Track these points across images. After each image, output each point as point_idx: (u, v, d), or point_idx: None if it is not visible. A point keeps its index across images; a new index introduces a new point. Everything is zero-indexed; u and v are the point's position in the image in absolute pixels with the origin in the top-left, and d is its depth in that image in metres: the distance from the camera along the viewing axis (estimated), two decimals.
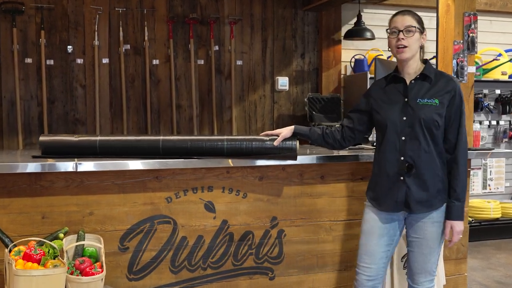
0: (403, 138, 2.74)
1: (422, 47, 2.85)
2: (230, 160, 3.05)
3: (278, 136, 3.04)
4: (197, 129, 5.62)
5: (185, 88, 5.62)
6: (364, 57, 5.90)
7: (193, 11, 5.60)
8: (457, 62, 3.60)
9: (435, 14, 6.51)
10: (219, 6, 5.69)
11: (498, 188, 6.58)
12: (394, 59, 5.63)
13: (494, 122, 6.52)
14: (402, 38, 2.73)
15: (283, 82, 5.90)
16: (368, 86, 5.56)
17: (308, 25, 5.99)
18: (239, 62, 5.76)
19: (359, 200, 3.44)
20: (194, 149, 3.05)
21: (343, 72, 6.07)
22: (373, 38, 5.69)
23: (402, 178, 2.75)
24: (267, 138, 3.07)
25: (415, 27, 2.75)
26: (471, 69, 3.63)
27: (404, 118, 2.75)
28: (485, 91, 6.40)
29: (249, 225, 3.26)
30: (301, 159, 3.17)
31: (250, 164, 3.11)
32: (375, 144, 3.73)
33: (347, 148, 3.22)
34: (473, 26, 3.63)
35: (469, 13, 3.63)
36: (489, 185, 6.52)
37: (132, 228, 3.06)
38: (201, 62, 5.65)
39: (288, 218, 3.33)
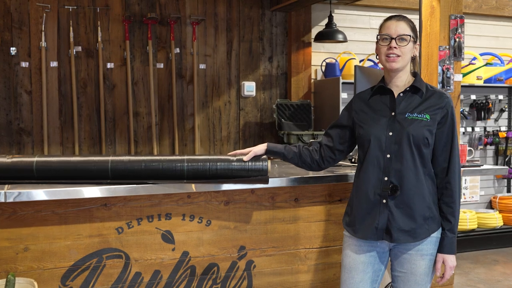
0: (388, 156, 2.40)
1: (413, 58, 2.51)
2: (191, 185, 2.63)
3: (246, 154, 2.68)
4: (156, 139, 5.17)
5: (143, 94, 5.17)
6: (336, 60, 5.55)
7: (152, 10, 5.15)
8: (442, 70, 3.26)
9: (408, 16, 6.27)
10: (180, 5, 5.26)
11: (473, 197, 6.33)
12: (375, 64, 5.36)
13: (469, 129, 6.27)
14: (395, 47, 2.40)
15: (249, 87, 5.50)
16: (341, 92, 5.27)
17: (277, 26, 5.61)
18: (202, 66, 5.34)
19: (337, 224, 3.09)
20: (149, 171, 2.63)
21: (313, 76, 5.71)
22: (345, 40, 5.34)
23: (384, 201, 2.40)
24: (234, 159, 2.67)
25: (409, 35, 2.42)
26: (458, 77, 3.30)
27: (390, 134, 2.41)
28: (460, 96, 6.13)
29: (213, 256, 2.85)
30: (274, 182, 2.78)
31: (214, 188, 2.70)
32: (354, 160, 3.38)
33: None
34: (459, 30, 3.30)
35: (455, 15, 3.30)
36: (464, 194, 6.27)
37: (76, 265, 2.61)
38: (161, 65, 5.20)
39: (258, 247, 2.94)
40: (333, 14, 5.42)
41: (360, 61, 5.59)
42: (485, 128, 6.35)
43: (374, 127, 2.45)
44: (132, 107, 5.11)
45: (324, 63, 5.60)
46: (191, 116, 5.32)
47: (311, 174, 2.95)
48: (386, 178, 2.40)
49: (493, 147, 6.39)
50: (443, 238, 2.44)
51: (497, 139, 6.28)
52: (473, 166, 3.19)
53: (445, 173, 2.43)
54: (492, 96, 6.27)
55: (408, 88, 2.46)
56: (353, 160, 3.36)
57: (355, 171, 3.15)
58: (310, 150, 2.67)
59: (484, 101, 6.20)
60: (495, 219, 5.99)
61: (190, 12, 5.29)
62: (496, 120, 6.39)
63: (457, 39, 3.30)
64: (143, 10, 5.14)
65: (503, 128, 6.39)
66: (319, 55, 5.71)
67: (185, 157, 2.68)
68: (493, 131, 6.31)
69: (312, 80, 5.69)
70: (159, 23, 5.19)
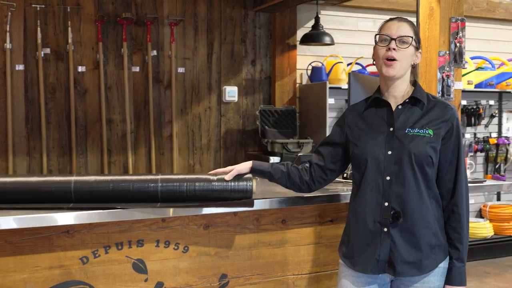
0: (388, 178, 2.12)
1: (414, 67, 2.23)
2: (166, 210, 2.32)
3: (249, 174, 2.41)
4: (131, 148, 4.84)
5: (117, 100, 4.83)
6: (322, 64, 5.27)
7: (127, 9, 4.82)
8: (442, 77, 2.99)
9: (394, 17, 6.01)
10: (158, 4, 4.93)
11: None
12: (363, 68, 5.09)
13: None
14: (394, 49, 2.12)
15: (231, 92, 5.20)
16: (328, 97, 4.99)
17: (260, 27, 5.31)
18: (180, 70, 5.01)
19: (329, 248, 2.82)
20: (118, 193, 2.31)
21: (298, 81, 5.43)
22: (332, 43, 5.07)
23: (386, 229, 2.13)
24: (215, 178, 2.36)
25: (412, 37, 2.14)
26: (459, 85, 3.04)
27: (389, 153, 2.13)
28: None
29: (191, 286, 2.56)
30: (259, 203, 2.48)
31: (192, 212, 2.40)
32: (346, 175, 3.09)
33: None
34: (460, 34, 3.04)
35: (456, 18, 3.04)
36: None
37: None
38: (136, 69, 4.87)
39: (241, 274, 2.64)
40: (319, 15, 5.14)
41: (348, 64, 5.32)
42: (475, 134, 6.13)
43: (371, 145, 2.17)
44: (105, 113, 4.77)
45: (310, 67, 5.31)
46: (168, 123, 5.00)
47: (300, 193, 2.65)
48: (386, 204, 2.13)
49: (483, 154, 6.18)
50: (451, 268, 2.17)
51: (487, 145, 6.06)
52: (476, 182, 2.93)
53: (451, 195, 2.16)
54: (483, 101, 6.05)
55: (407, 100, 2.19)
56: (345, 175, 3.07)
57: (347, 187, 2.89)
58: (299, 169, 2.39)
59: (474, 107, 5.98)
60: (485, 229, 5.78)
61: (168, 12, 4.97)
62: (486, 126, 6.18)
63: (458, 44, 3.04)
64: (117, 10, 4.80)
65: (494, 135, 6.18)
66: (305, 58, 5.43)
67: (159, 176, 2.37)
68: (483, 137, 6.09)
69: (297, 85, 5.41)
70: (134, 24, 4.86)
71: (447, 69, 3.02)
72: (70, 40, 4.63)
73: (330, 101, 5.00)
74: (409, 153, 2.09)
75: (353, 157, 2.24)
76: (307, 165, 2.40)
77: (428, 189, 2.13)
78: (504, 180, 6.03)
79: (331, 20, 5.49)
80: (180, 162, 5.04)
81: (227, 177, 2.34)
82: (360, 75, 2.76)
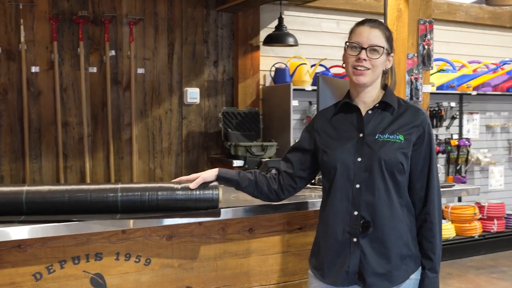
0: (358, 186, 2.04)
1: (386, 72, 2.16)
2: (126, 221, 2.17)
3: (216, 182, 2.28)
4: (88, 152, 4.64)
5: (73, 102, 4.63)
6: (286, 65, 5.18)
7: (83, 7, 4.62)
8: (411, 80, 2.94)
9: (357, 18, 5.98)
10: (116, 2, 4.75)
11: None
12: (327, 70, 5.02)
13: None
14: (364, 59, 2.05)
15: (193, 94, 5.05)
16: (292, 99, 4.91)
17: (222, 28, 5.18)
18: (140, 70, 4.84)
19: (297, 256, 2.72)
20: (74, 204, 2.16)
21: (262, 82, 5.32)
22: (296, 44, 4.98)
23: (355, 239, 2.04)
24: (179, 187, 2.23)
25: (383, 47, 2.06)
26: (427, 88, 2.99)
27: (359, 160, 2.05)
28: None
29: None
30: (226, 213, 2.35)
31: (154, 224, 2.26)
32: (315, 181, 3.00)
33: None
34: (429, 36, 2.99)
35: (424, 20, 2.99)
36: None
37: None
38: (94, 69, 4.68)
39: (206, 287, 2.52)
40: (283, 16, 5.05)
41: (312, 66, 5.25)
42: (437, 136, 6.15)
43: (340, 152, 2.08)
44: (61, 116, 4.56)
45: (273, 68, 5.22)
46: (128, 126, 4.82)
47: (267, 203, 2.54)
48: (356, 213, 2.04)
49: (445, 155, 6.21)
50: (424, 279, 2.10)
51: (449, 147, 6.10)
52: (445, 187, 2.88)
53: (423, 203, 2.09)
54: (445, 103, 6.09)
55: (377, 104, 2.11)
56: (313, 181, 2.98)
57: (315, 193, 2.81)
58: (267, 177, 2.28)
59: (436, 109, 6.01)
60: (447, 230, 5.82)
61: (127, 11, 4.79)
62: (447, 127, 6.22)
63: (426, 46, 2.99)
64: (73, 7, 4.60)
65: (455, 136, 6.22)
66: (268, 59, 5.33)
67: (119, 185, 2.22)
68: (445, 139, 6.12)
69: (261, 87, 5.31)
70: (91, 22, 4.66)
71: (416, 71, 2.97)
72: (22, 39, 4.41)
73: (294, 103, 4.92)
74: (379, 160, 2.01)
75: (322, 164, 2.16)
76: (275, 172, 2.30)
77: (400, 197, 2.05)
78: (465, 181, 6.09)
79: (294, 21, 5.41)
80: (140, 166, 4.87)
81: (192, 185, 2.21)
82: (329, 78, 2.67)
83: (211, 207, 2.25)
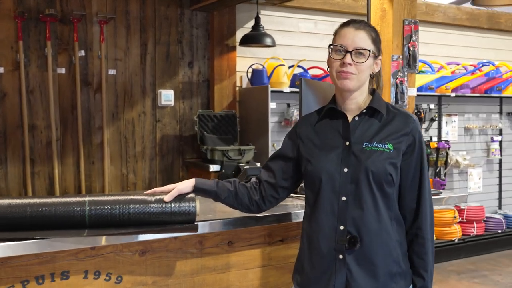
0: (344, 198, 1.90)
1: (372, 77, 2.02)
2: (94, 238, 1.99)
3: (168, 192, 2.09)
4: (57, 156, 4.42)
5: (40, 104, 4.40)
6: (263, 66, 5.03)
7: (51, 5, 4.40)
8: (396, 83, 2.81)
9: (335, 18, 5.91)
10: (85, 0, 4.54)
11: None
12: (305, 71, 4.87)
13: None
14: (349, 63, 1.90)
15: (167, 96, 4.87)
16: (270, 101, 4.76)
17: (197, 27, 5.01)
18: (111, 72, 4.64)
19: (279, 270, 2.58)
20: (38, 220, 1.97)
21: (238, 84, 5.16)
22: (273, 45, 4.83)
23: (341, 256, 1.90)
24: (152, 199, 2.06)
25: (369, 50, 1.92)
26: (412, 91, 2.87)
27: (345, 170, 1.91)
28: None
29: None
30: (203, 227, 2.19)
31: (125, 240, 2.08)
32: (299, 190, 2.85)
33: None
34: (414, 37, 2.87)
35: (409, 20, 2.86)
36: None
37: None
38: (62, 70, 4.46)
39: None
40: (259, 16, 4.89)
41: (290, 67, 5.11)
42: None
43: (325, 162, 1.94)
44: (28, 119, 4.33)
45: (250, 69, 5.06)
46: (99, 130, 4.60)
47: (248, 215, 2.39)
48: (342, 227, 1.90)
49: None
50: None
51: (428, 149, 6.02)
52: (433, 194, 2.75)
53: (414, 216, 1.96)
54: (424, 105, 6.02)
55: (364, 110, 1.97)
56: (297, 191, 2.83)
57: (297, 202, 2.66)
58: (248, 188, 2.13)
59: (416, 111, 5.92)
60: None
61: (97, 9, 4.58)
62: (427, 130, 6.15)
63: (411, 48, 2.87)
64: (39, 5, 4.37)
65: (434, 139, 6.15)
66: (245, 60, 5.17)
67: (87, 198, 2.04)
68: (424, 141, 6.04)
69: (237, 88, 5.14)
70: (59, 21, 4.44)
71: (401, 74, 2.84)
72: None
73: (272, 105, 4.78)
74: (366, 171, 1.87)
75: (305, 174, 2.01)
76: (256, 182, 2.15)
77: (389, 211, 1.91)
78: (445, 184, 6.02)
79: (271, 20, 5.26)
80: (112, 171, 4.66)
81: (167, 198, 2.04)
82: (312, 81, 2.53)
83: (187, 221, 2.09)
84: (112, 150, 4.67)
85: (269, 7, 5.24)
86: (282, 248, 2.57)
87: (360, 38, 1.91)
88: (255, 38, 4.81)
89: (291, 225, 2.55)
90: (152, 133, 4.85)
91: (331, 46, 1.94)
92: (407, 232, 1.96)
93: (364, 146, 1.91)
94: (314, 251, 1.95)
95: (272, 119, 4.92)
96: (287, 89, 4.98)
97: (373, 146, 1.90)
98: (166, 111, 4.91)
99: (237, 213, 2.39)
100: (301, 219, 2.21)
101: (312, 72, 5.31)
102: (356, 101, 1.97)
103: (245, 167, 2.71)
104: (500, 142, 6.62)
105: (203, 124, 4.78)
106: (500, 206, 6.74)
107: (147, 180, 4.81)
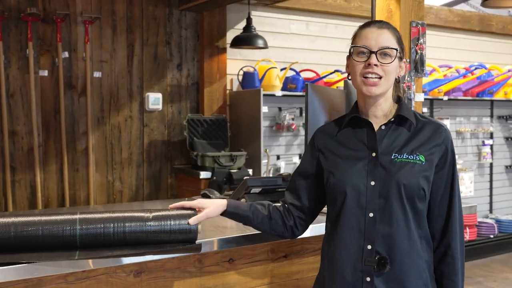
0: (371, 214, 1.73)
1: (399, 81, 1.86)
2: (85, 262, 1.81)
3: (193, 210, 1.90)
4: (39, 164, 4.20)
5: (21, 109, 4.18)
6: (255, 69, 4.86)
7: (32, 4, 4.18)
8: (403, 88, 2.66)
9: (327, 20, 5.77)
10: None
11: None
12: (297, 74, 4.70)
13: None
14: (375, 65, 1.74)
15: (155, 99, 4.67)
16: (262, 105, 4.59)
17: (186, 28, 4.82)
18: (97, 74, 4.43)
19: (282, 287, 2.39)
20: (23, 240, 1.78)
21: (228, 87, 4.98)
22: (266, 46, 4.67)
23: (369, 279, 1.73)
24: (150, 216, 1.87)
25: (396, 49, 1.77)
26: (420, 97, 2.73)
27: (372, 183, 1.74)
28: None
29: None
30: (205, 246, 2.02)
31: (120, 262, 1.90)
32: None
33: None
34: (421, 40, 2.73)
35: (417, 22, 2.72)
36: None
37: None
38: (45, 73, 4.24)
39: None
40: (251, 17, 4.72)
41: (282, 69, 4.95)
42: None
43: (350, 174, 1.77)
44: (8, 124, 4.10)
45: (241, 72, 4.89)
46: (83, 135, 4.39)
47: (250, 230, 2.22)
48: (369, 247, 1.73)
49: None
50: None
51: None
52: None
53: (444, 234, 1.79)
54: None
55: (392, 119, 1.80)
56: None
57: None
58: (281, 212, 1.94)
59: None
60: None
61: (82, 8, 4.37)
62: None
63: (419, 51, 2.72)
64: (20, 4, 4.15)
65: None
66: (235, 62, 5.00)
67: (78, 216, 1.85)
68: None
69: (228, 92, 4.96)
70: (42, 21, 4.22)
71: (408, 79, 2.70)
72: None
73: (264, 109, 4.61)
74: (397, 185, 1.70)
75: (327, 188, 1.83)
76: (282, 207, 1.95)
77: (419, 228, 1.75)
78: None
79: (263, 21, 5.10)
80: (98, 179, 4.45)
81: (192, 221, 1.86)
82: (318, 86, 2.37)
83: (188, 239, 1.91)
84: (97, 157, 4.46)
85: (260, 8, 5.08)
86: (286, 264, 2.41)
87: (384, 38, 1.75)
88: (247, 39, 4.64)
89: (295, 240, 2.39)
90: (139, 139, 4.64)
91: (352, 48, 1.78)
92: (434, 251, 1.80)
93: (393, 157, 1.74)
94: (337, 273, 1.77)
95: (264, 124, 4.76)
96: (279, 92, 4.83)
97: (404, 157, 1.74)
98: (154, 116, 4.71)
99: (239, 230, 2.23)
100: (307, 234, 2.04)
101: (304, 75, 5.16)
102: (381, 108, 1.81)
103: (244, 177, 2.54)
104: (491, 146, 6.55)
105: (193, 129, 4.59)
106: (491, 210, 6.67)
107: (134, 188, 4.60)
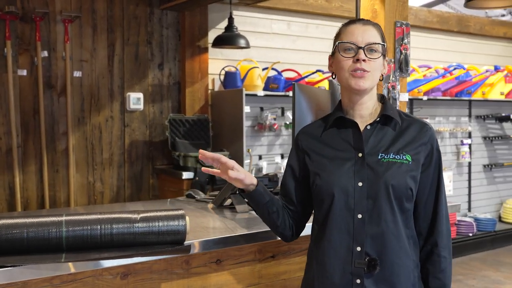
0: (360, 216, 1.72)
1: (382, 79, 1.87)
2: (73, 264, 1.77)
3: (181, 210, 1.89)
4: (19, 165, 4.12)
5: (0, 109, 4.09)
6: (237, 69, 4.85)
7: (11, 2, 4.10)
8: (388, 88, 2.67)
9: (308, 20, 5.77)
10: None
11: None
12: (279, 74, 4.69)
13: None
14: (363, 60, 1.73)
15: (136, 99, 4.62)
16: (244, 105, 4.57)
17: (168, 28, 4.78)
18: (77, 74, 4.36)
19: None
20: (7, 243, 1.76)
21: (210, 87, 4.96)
22: (248, 46, 4.65)
23: (358, 281, 1.72)
24: (138, 217, 1.85)
25: (382, 45, 1.78)
26: (404, 97, 2.74)
27: (360, 184, 1.73)
28: None
29: None
30: (193, 247, 2.00)
31: (107, 264, 1.87)
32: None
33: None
34: (406, 40, 2.74)
35: (401, 22, 2.73)
36: None
37: None
38: (23, 72, 4.16)
39: None
40: (233, 16, 4.71)
41: (263, 69, 4.94)
42: None
43: (337, 175, 1.75)
44: None
45: (223, 72, 4.87)
46: (63, 135, 4.32)
47: (239, 231, 2.21)
48: (359, 248, 1.72)
49: None
50: None
51: None
52: None
53: (430, 232, 1.79)
54: None
55: (378, 119, 1.80)
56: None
57: None
58: (287, 212, 1.91)
59: None
60: None
61: (61, 7, 4.30)
62: None
63: (403, 51, 2.74)
64: None
65: None
66: (217, 62, 4.97)
67: (64, 218, 1.82)
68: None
69: (210, 91, 4.94)
70: (20, 19, 4.14)
71: (393, 79, 2.71)
72: None
73: (246, 109, 4.59)
74: (386, 185, 1.70)
75: (315, 191, 1.81)
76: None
77: (407, 228, 1.75)
78: None
79: (244, 21, 5.08)
80: (78, 179, 4.39)
81: (232, 174, 1.80)
82: (305, 86, 2.36)
83: (176, 241, 1.90)
84: (77, 157, 4.39)
85: (241, 7, 5.06)
86: (273, 264, 2.40)
87: (370, 34, 1.76)
88: (229, 39, 4.62)
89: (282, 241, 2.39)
90: (120, 139, 4.59)
91: (338, 44, 1.78)
92: (421, 249, 1.80)
93: (380, 157, 1.74)
94: (326, 276, 1.76)
95: (246, 123, 4.75)
96: (260, 92, 4.82)
97: (390, 157, 1.73)
98: (135, 116, 4.66)
99: (228, 231, 2.22)
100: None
101: (286, 74, 5.16)
102: (366, 107, 1.80)
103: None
104: (470, 145, 6.63)
105: (175, 129, 4.56)
106: (469, 209, 6.75)
107: (115, 189, 4.55)
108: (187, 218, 1.91)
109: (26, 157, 4.20)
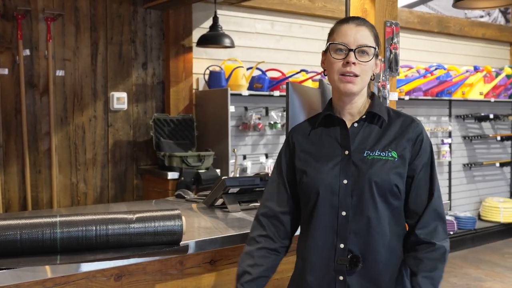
0: (344, 213, 1.72)
1: (373, 78, 1.86)
2: (68, 267, 1.74)
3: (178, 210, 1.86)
4: (0, 165, 4.04)
5: None
6: (221, 68, 4.83)
7: None
8: (378, 87, 2.68)
9: (292, 20, 5.78)
10: None
11: None
12: (263, 73, 4.68)
13: None
14: (353, 63, 1.72)
15: (120, 99, 4.56)
16: (229, 105, 4.55)
17: (152, 26, 4.73)
18: (59, 73, 4.29)
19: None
20: (1, 245, 1.70)
21: (195, 86, 4.92)
22: (232, 46, 4.64)
23: (341, 278, 1.72)
24: (133, 218, 1.83)
25: (374, 48, 1.76)
26: (394, 96, 2.75)
27: (345, 182, 1.73)
28: None
29: None
30: (190, 247, 1.98)
31: (102, 266, 1.84)
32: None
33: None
34: (395, 39, 2.76)
35: (391, 22, 2.74)
36: None
37: None
38: (5, 71, 4.08)
39: None
40: (217, 16, 4.68)
41: (248, 69, 4.93)
42: None
43: (322, 173, 1.75)
44: None
45: (207, 71, 4.84)
46: (46, 135, 4.25)
47: (232, 231, 2.19)
48: (342, 246, 1.72)
49: None
50: None
51: None
52: None
53: (423, 227, 1.77)
54: None
55: (364, 116, 1.80)
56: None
57: None
58: (269, 250, 1.86)
59: None
60: None
61: (44, 5, 4.22)
62: None
63: (393, 51, 2.75)
64: None
65: None
66: (201, 61, 4.94)
67: (58, 218, 1.78)
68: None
69: (194, 91, 4.90)
70: (1, 17, 4.06)
71: (383, 78, 2.72)
72: None
73: (231, 108, 4.57)
74: (369, 182, 1.69)
75: (302, 188, 1.80)
76: (266, 219, 1.87)
77: (396, 226, 1.74)
78: None
79: (228, 21, 5.06)
80: (61, 180, 4.32)
81: None
82: (298, 85, 2.36)
83: (173, 241, 1.87)
84: (60, 158, 4.32)
85: (225, 6, 5.04)
86: None
87: (362, 35, 1.75)
88: (214, 38, 4.59)
89: None
90: (104, 139, 4.53)
91: (330, 45, 1.77)
92: (414, 245, 1.76)
93: (365, 155, 1.74)
94: (310, 272, 1.77)
95: (231, 123, 4.73)
96: (245, 91, 4.80)
97: (376, 154, 1.73)
98: (119, 115, 4.61)
99: (220, 231, 2.20)
100: None
101: (270, 74, 5.16)
102: (356, 105, 1.80)
103: (223, 177, 2.49)
104: (450, 145, 6.71)
105: (159, 128, 4.52)
106: (450, 208, 6.83)
107: (99, 189, 4.49)
108: (183, 218, 1.89)
109: (7, 158, 4.12)
